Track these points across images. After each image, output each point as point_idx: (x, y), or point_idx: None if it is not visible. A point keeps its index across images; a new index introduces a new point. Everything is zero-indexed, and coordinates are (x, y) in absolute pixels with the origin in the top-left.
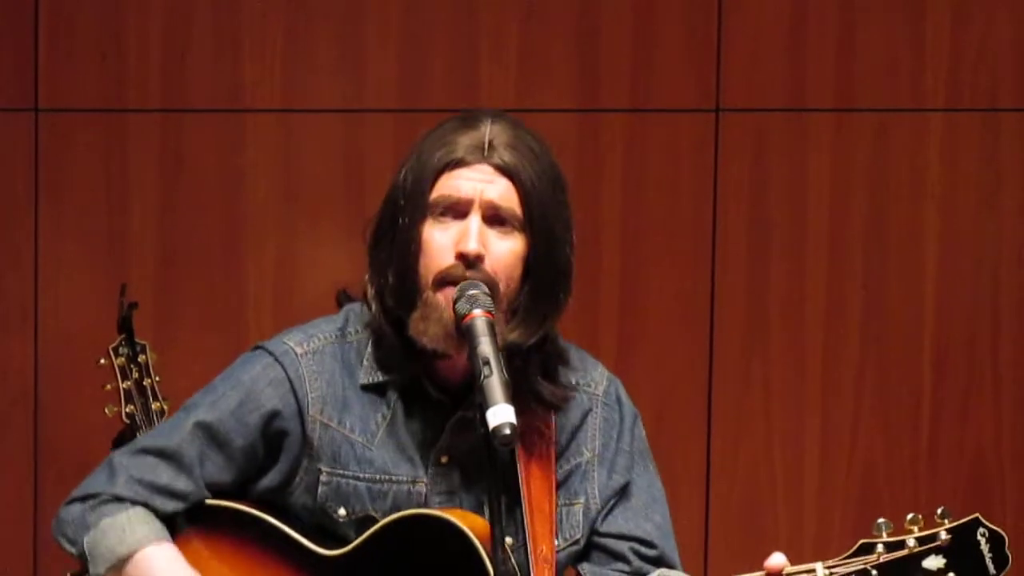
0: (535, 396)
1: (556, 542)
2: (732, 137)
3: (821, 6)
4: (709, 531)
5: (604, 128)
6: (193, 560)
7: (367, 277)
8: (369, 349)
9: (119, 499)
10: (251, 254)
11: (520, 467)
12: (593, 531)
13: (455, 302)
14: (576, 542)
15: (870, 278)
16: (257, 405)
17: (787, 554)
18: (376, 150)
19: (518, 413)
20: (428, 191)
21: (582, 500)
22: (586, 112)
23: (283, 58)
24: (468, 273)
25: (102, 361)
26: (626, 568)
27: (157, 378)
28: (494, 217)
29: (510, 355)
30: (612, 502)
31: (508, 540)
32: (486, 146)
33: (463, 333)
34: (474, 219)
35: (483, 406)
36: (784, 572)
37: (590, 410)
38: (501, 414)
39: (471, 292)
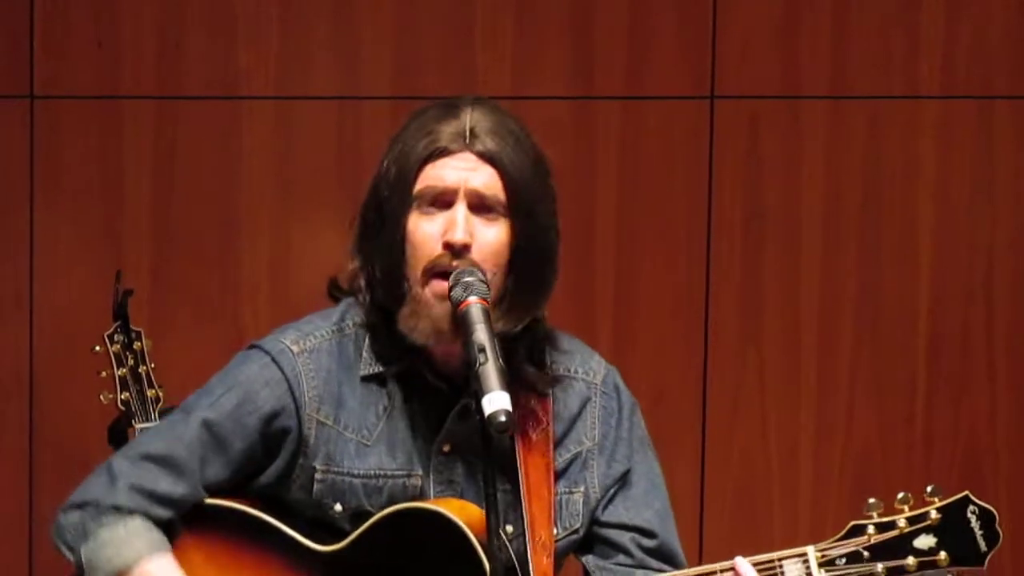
0: (521, 381)
1: (555, 530)
2: (727, 124)
3: None
4: (704, 517)
5: (599, 115)
6: (189, 565)
7: (355, 270)
8: (367, 341)
9: (117, 508)
10: (246, 241)
11: (518, 453)
12: (594, 521)
13: (450, 289)
14: (575, 531)
15: (864, 265)
16: (255, 407)
17: (782, 539)
18: (371, 137)
19: (513, 399)
20: (412, 183)
21: (582, 489)
22: (581, 99)
23: (278, 45)
24: (455, 263)
25: (97, 348)
26: (628, 560)
27: (152, 365)
28: (479, 205)
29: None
30: (613, 490)
31: (509, 528)
32: (468, 134)
33: (458, 320)
34: (460, 208)
35: (479, 393)
36: (759, 559)
37: (589, 399)
38: (497, 401)
39: (467, 279)
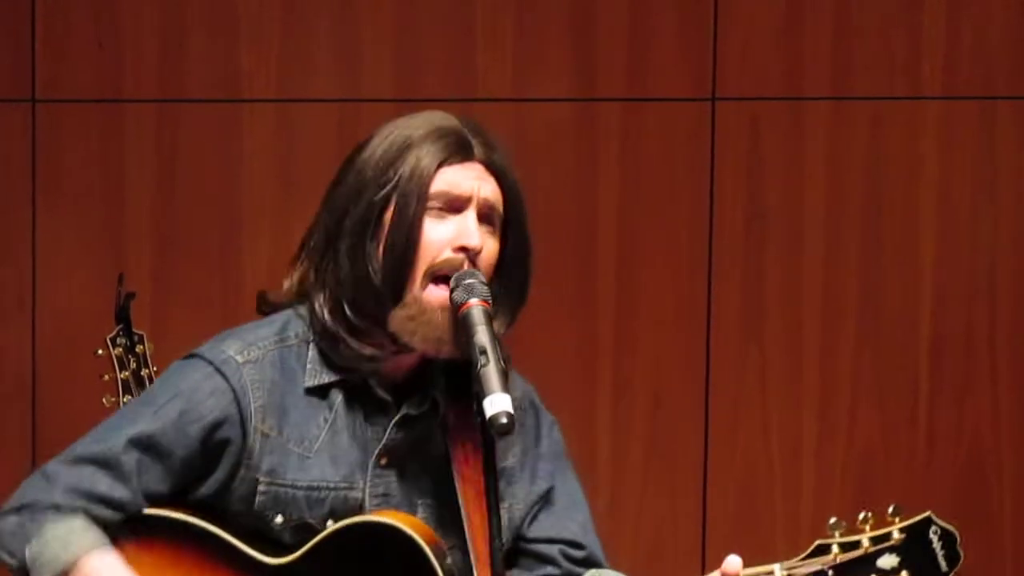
0: (464, 384)
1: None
2: (728, 126)
3: None
4: (707, 520)
5: (600, 117)
6: (136, 570)
7: (314, 276)
8: (312, 352)
9: (58, 508)
10: (247, 243)
11: (455, 466)
12: (520, 537)
13: (452, 291)
14: (500, 547)
15: (867, 266)
16: (198, 416)
17: (784, 541)
18: None
19: (459, 411)
20: (429, 184)
21: (506, 505)
22: (582, 101)
23: (280, 47)
24: (467, 267)
25: (99, 351)
26: (556, 571)
27: (155, 368)
28: (485, 216)
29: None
30: (537, 507)
31: (444, 543)
32: (473, 144)
33: (460, 322)
34: (471, 215)
35: (479, 395)
36: (740, 574)
37: None
38: (498, 403)
39: (468, 281)
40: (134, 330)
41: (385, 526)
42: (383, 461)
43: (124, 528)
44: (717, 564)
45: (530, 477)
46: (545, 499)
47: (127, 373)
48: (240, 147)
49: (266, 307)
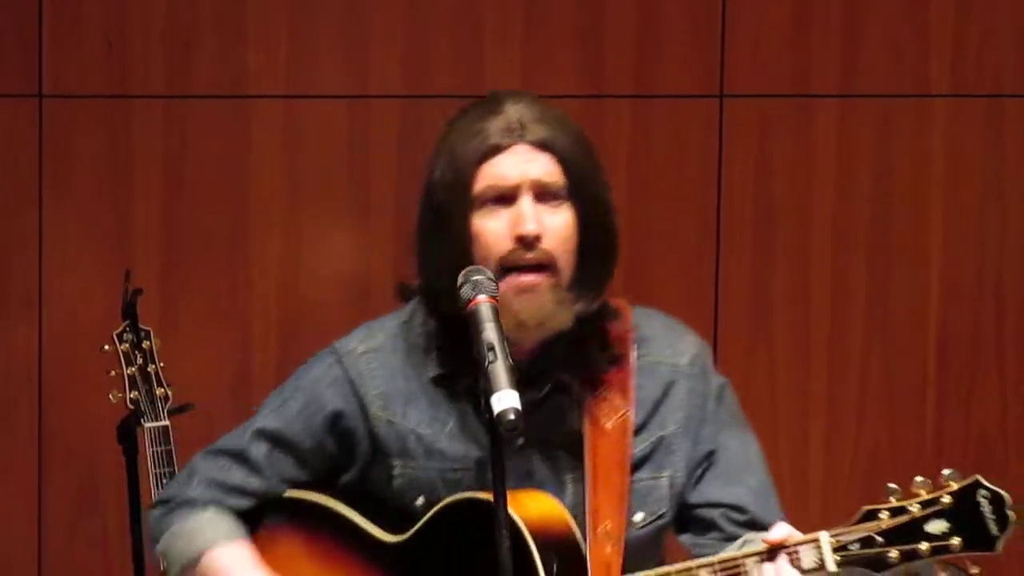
0: (591, 368)
1: (636, 516)
2: (736, 123)
3: None
4: None
5: (608, 114)
6: (268, 554)
7: (418, 273)
8: (434, 340)
9: (190, 502)
10: (255, 240)
11: (588, 442)
12: (686, 503)
13: (460, 287)
14: (661, 516)
15: (874, 264)
16: (320, 407)
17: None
18: (381, 137)
19: (587, 386)
20: (471, 184)
21: (667, 474)
22: (590, 98)
23: (288, 44)
24: (528, 256)
25: (106, 347)
26: (721, 535)
27: (161, 364)
28: (543, 193)
29: (578, 323)
30: (699, 472)
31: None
32: (518, 126)
33: (467, 318)
34: (526, 200)
35: (487, 392)
36: (788, 543)
37: (673, 382)
38: (506, 399)
39: (476, 277)
40: (140, 326)
41: (487, 503)
42: (519, 442)
43: (263, 513)
44: None
45: (692, 442)
46: (707, 463)
47: (134, 369)
48: (248, 144)
49: (400, 296)
